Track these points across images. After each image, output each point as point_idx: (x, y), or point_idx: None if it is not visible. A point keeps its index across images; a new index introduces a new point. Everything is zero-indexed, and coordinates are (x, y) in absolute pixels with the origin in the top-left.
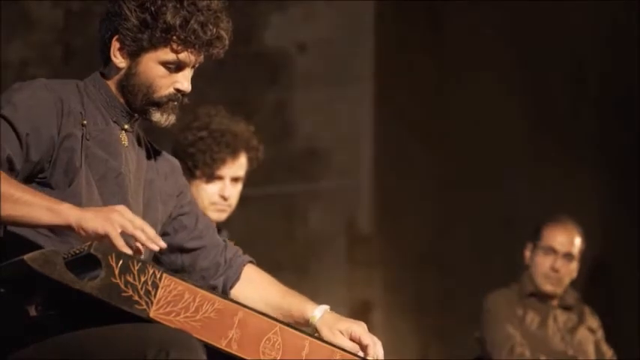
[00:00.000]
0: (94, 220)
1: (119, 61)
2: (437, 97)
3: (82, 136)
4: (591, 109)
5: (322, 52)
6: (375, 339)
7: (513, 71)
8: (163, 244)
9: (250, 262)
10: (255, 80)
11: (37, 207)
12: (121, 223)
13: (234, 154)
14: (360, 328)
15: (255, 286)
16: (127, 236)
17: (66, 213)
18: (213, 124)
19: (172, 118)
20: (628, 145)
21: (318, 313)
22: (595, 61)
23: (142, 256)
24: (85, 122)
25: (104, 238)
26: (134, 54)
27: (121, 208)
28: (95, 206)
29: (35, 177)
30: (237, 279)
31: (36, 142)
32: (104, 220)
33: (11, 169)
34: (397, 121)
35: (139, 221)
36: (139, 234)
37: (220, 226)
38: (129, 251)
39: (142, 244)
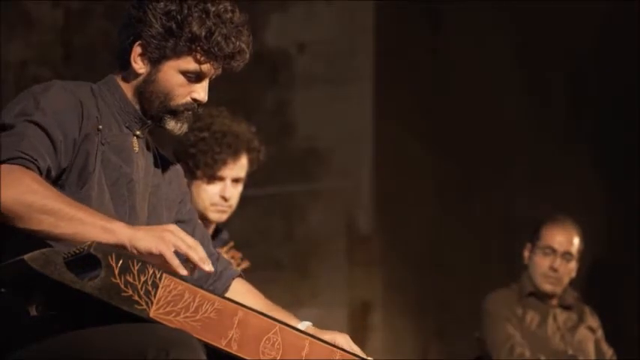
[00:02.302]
0: (146, 239)
1: (139, 66)
2: (437, 97)
3: (98, 141)
4: (591, 109)
5: (322, 52)
6: (359, 350)
7: (513, 71)
8: (211, 268)
9: (239, 276)
10: (255, 80)
11: (91, 226)
12: (174, 242)
13: (235, 155)
14: (343, 339)
15: (241, 299)
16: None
17: (120, 232)
18: (214, 124)
19: (186, 127)
20: (628, 145)
21: (301, 328)
22: (595, 61)
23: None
24: (100, 127)
25: (158, 258)
26: (155, 61)
27: (173, 227)
28: (105, 211)
29: (57, 180)
30: (225, 291)
31: (65, 149)
32: (157, 239)
33: (47, 177)
34: (397, 121)
35: (191, 240)
36: (192, 253)
37: (220, 227)
38: (184, 272)
39: (195, 264)
